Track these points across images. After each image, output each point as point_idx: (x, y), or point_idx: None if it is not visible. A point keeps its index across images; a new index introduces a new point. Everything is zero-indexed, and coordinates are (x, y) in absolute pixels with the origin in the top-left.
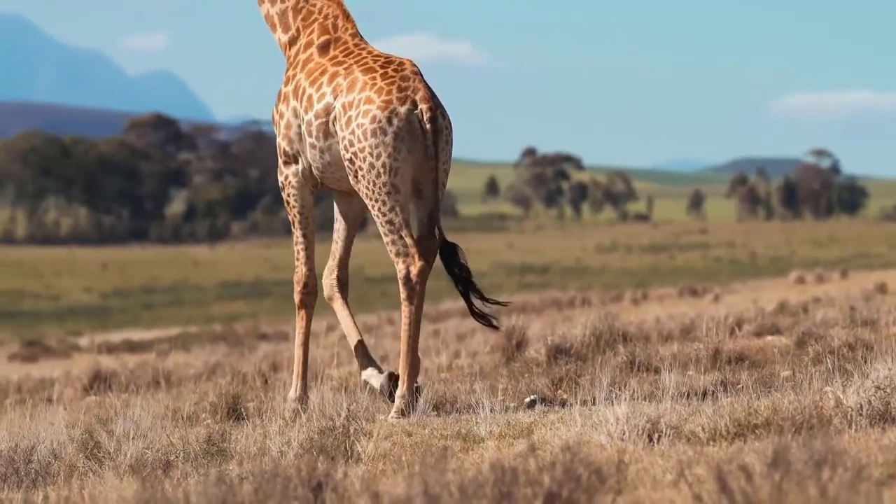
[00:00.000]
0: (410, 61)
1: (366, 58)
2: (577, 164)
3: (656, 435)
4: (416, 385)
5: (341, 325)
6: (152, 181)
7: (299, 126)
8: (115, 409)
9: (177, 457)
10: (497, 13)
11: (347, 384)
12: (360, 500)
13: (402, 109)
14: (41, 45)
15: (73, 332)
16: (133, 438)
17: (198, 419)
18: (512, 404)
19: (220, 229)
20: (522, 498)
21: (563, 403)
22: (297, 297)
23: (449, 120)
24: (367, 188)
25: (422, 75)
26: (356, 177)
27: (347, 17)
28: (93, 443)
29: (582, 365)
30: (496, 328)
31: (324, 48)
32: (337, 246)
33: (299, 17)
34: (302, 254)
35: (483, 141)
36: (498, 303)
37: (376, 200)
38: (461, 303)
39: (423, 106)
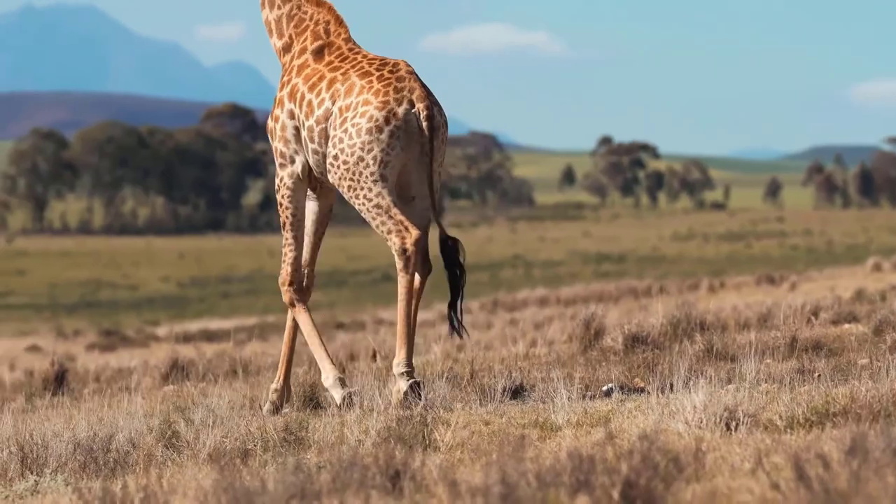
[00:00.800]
0: (405, 62)
1: (361, 62)
2: (653, 152)
3: (734, 423)
4: (417, 381)
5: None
6: (229, 171)
7: (296, 128)
8: (192, 399)
9: (255, 445)
10: (573, 2)
11: (424, 373)
12: (438, 488)
13: (400, 109)
14: (117, 36)
15: (150, 321)
16: (211, 427)
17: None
18: (589, 393)
19: None
20: (600, 486)
21: (640, 392)
22: (285, 297)
23: (445, 118)
24: (352, 179)
25: (416, 75)
26: (338, 170)
27: (340, 22)
28: (171, 432)
29: (659, 353)
30: (460, 337)
31: (318, 53)
32: (306, 243)
33: (292, 24)
34: (289, 255)
35: (559, 130)
36: (457, 328)
37: (361, 188)
38: (538, 292)
39: (419, 105)
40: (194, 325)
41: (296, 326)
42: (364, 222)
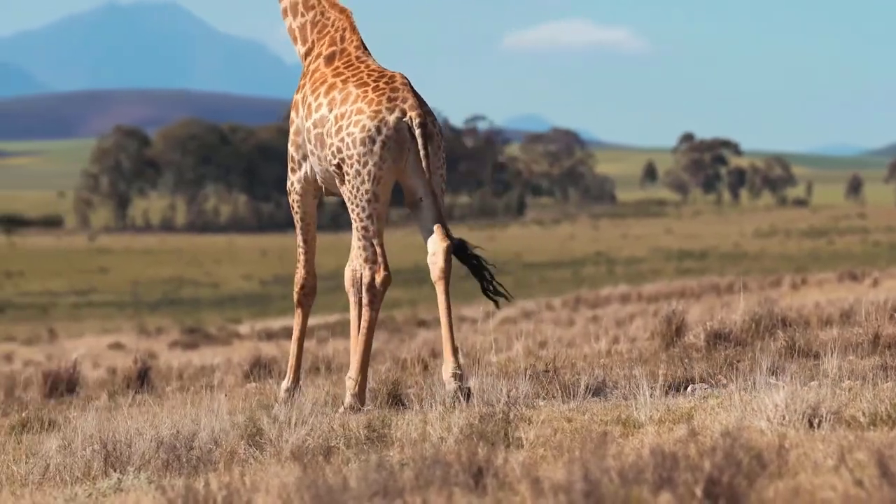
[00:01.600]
0: (400, 74)
1: (362, 72)
2: (735, 149)
3: (816, 420)
4: (463, 382)
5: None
6: None
7: (306, 132)
8: (275, 396)
9: (338, 443)
10: None
11: (507, 370)
12: (521, 485)
13: (391, 118)
14: (200, 33)
15: (232, 319)
16: (294, 425)
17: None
18: (672, 390)
19: None
20: (683, 483)
21: (722, 388)
22: (295, 297)
23: (439, 127)
24: (350, 193)
25: (411, 86)
26: (342, 182)
27: (354, 29)
28: (254, 429)
29: (741, 350)
30: (499, 304)
31: (329, 59)
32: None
33: (315, 30)
34: (302, 257)
35: (641, 126)
36: (501, 295)
37: (356, 206)
38: (620, 289)
39: (411, 113)
40: (276, 323)
41: (371, 329)
42: (448, 219)
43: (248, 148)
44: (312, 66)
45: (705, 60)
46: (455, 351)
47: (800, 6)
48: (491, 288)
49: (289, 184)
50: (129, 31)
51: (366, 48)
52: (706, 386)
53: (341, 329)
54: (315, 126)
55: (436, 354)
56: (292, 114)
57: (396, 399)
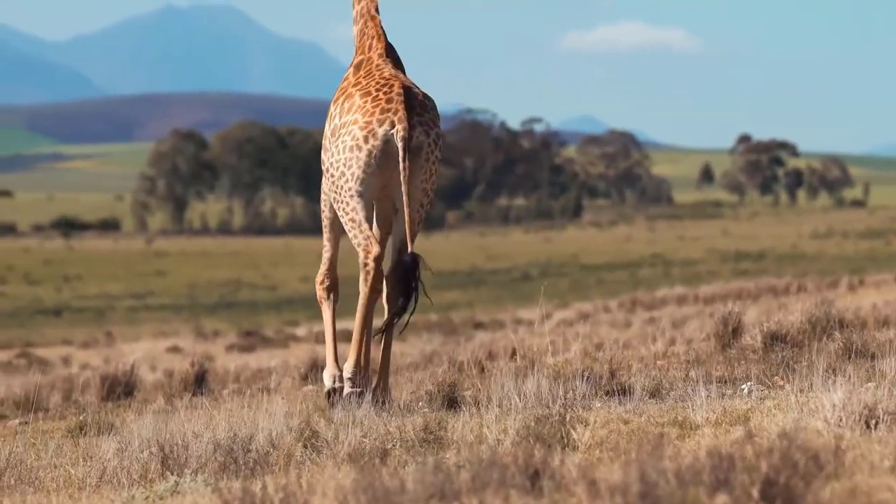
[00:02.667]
0: (399, 82)
1: (373, 80)
2: (792, 150)
3: (873, 421)
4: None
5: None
6: None
7: None
8: (332, 398)
9: (394, 445)
10: None
11: (563, 372)
12: (577, 487)
13: (380, 130)
14: (255, 35)
15: (290, 321)
16: (350, 427)
17: (415, 407)
18: (728, 391)
19: (435, 219)
20: (739, 485)
21: (779, 390)
22: (318, 292)
23: (435, 137)
24: (335, 191)
25: (408, 96)
26: (328, 180)
27: (380, 37)
28: (311, 431)
29: (798, 351)
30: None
31: (357, 67)
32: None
33: (360, 39)
34: (325, 255)
35: (697, 128)
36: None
37: (342, 200)
38: (676, 290)
39: (398, 126)
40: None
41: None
42: (504, 221)
43: (305, 150)
44: (348, 74)
45: (761, 60)
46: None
47: (857, 5)
48: (403, 310)
49: (323, 187)
50: (185, 33)
51: (389, 54)
52: (763, 387)
53: (398, 331)
54: (332, 134)
55: (493, 356)
56: (326, 122)
57: (453, 401)
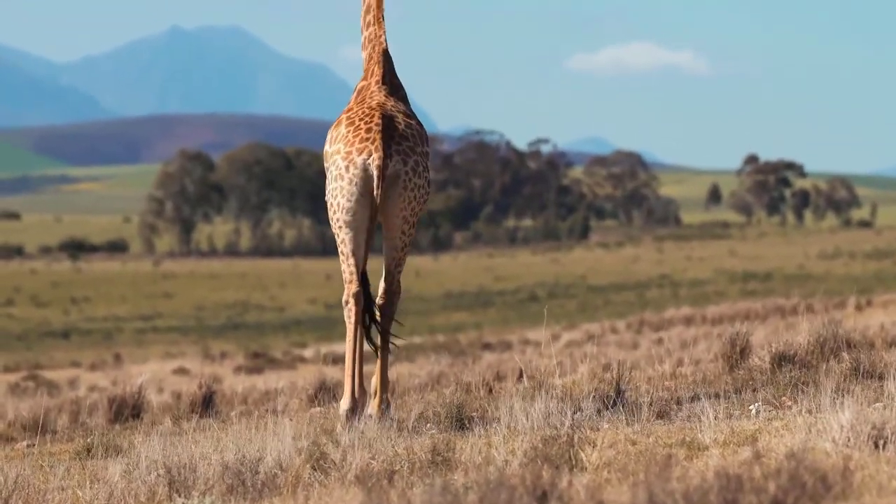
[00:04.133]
0: (380, 112)
1: (359, 111)
2: (799, 171)
3: (882, 441)
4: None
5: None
6: None
7: None
8: (339, 420)
9: (402, 466)
10: (718, 20)
11: (571, 393)
12: None
13: (358, 159)
14: (263, 57)
15: (297, 343)
16: (358, 448)
17: (422, 429)
18: (736, 411)
19: (443, 239)
20: None
21: (787, 410)
22: (345, 314)
23: (413, 164)
24: (331, 220)
25: (386, 125)
26: (327, 210)
27: (379, 63)
28: (319, 453)
29: (806, 372)
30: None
31: (357, 93)
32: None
33: (367, 63)
34: (346, 278)
35: (705, 148)
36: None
37: (335, 231)
38: (684, 311)
39: (374, 154)
40: (341, 347)
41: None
42: (511, 242)
43: (313, 172)
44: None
45: (769, 82)
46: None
47: (863, 27)
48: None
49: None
50: (193, 55)
51: (386, 81)
52: (771, 408)
53: (406, 352)
54: (325, 160)
55: (500, 377)
56: None
57: (461, 422)
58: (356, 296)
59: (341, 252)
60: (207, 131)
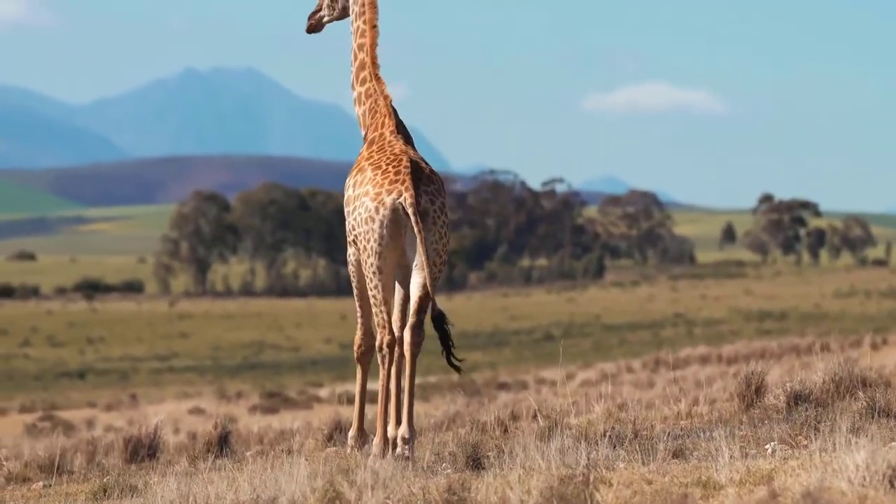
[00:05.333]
0: (408, 156)
1: (384, 155)
2: (814, 209)
3: None
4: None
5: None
6: None
7: None
8: (355, 460)
9: None
10: (732, 60)
11: (587, 433)
12: None
13: (388, 199)
14: (277, 98)
15: (313, 382)
16: (373, 488)
17: (438, 468)
18: (752, 451)
19: (457, 279)
20: None
21: (803, 449)
22: (354, 356)
23: (440, 204)
24: (364, 265)
25: (414, 168)
26: (354, 253)
27: (391, 115)
28: (333, 493)
29: (822, 411)
30: (459, 372)
31: (370, 144)
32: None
33: (370, 116)
34: (360, 320)
35: (720, 188)
36: (456, 366)
37: (367, 275)
38: (699, 350)
39: (406, 195)
40: (355, 387)
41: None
42: (526, 281)
43: (327, 212)
44: (362, 150)
45: (783, 121)
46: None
47: (877, 67)
48: (453, 359)
49: (348, 254)
50: (207, 96)
51: (400, 131)
52: (787, 447)
53: (421, 392)
54: (347, 204)
55: (516, 417)
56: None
57: (476, 462)
58: (391, 344)
59: (373, 297)
60: (222, 172)
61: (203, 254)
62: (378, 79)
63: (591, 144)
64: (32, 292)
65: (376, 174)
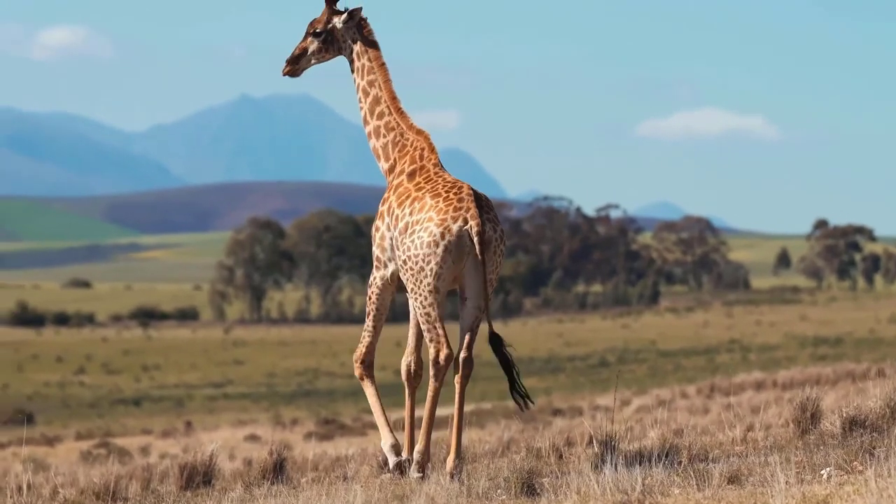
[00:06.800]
0: (468, 185)
1: (439, 184)
2: (869, 234)
3: None
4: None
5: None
6: None
7: (391, 239)
8: (410, 486)
9: None
10: (787, 85)
11: (641, 459)
12: None
13: (454, 226)
14: (333, 124)
15: (368, 409)
16: None
17: (493, 495)
18: (807, 476)
19: (512, 306)
20: None
21: (859, 475)
22: (356, 371)
23: (501, 232)
24: (414, 286)
25: (476, 196)
26: (405, 273)
27: (432, 149)
28: None
29: (877, 436)
30: (527, 407)
31: (411, 175)
32: (409, 335)
33: (396, 149)
34: (367, 339)
35: (774, 213)
36: (526, 399)
37: (419, 295)
38: (754, 376)
39: (472, 222)
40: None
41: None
42: (581, 307)
43: None
44: (395, 182)
45: (838, 147)
46: (458, 444)
47: None
48: (516, 388)
49: (372, 278)
50: (262, 123)
51: (442, 165)
52: (842, 472)
53: (476, 418)
54: (400, 233)
55: (571, 443)
56: (378, 222)
57: (531, 488)
58: (448, 357)
59: (428, 315)
60: (277, 199)
61: (258, 281)
62: (402, 113)
63: (646, 170)
64: (88, 320)
65: (438, 201)
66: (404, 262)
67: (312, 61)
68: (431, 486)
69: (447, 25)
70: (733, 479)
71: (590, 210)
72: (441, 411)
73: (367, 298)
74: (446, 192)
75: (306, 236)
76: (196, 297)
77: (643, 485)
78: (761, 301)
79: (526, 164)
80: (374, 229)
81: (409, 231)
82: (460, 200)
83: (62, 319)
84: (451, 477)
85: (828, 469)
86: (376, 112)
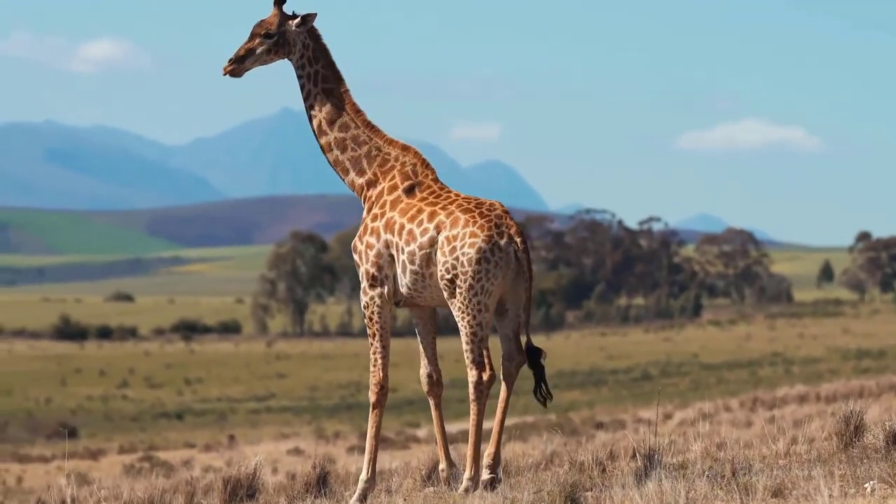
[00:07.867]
0: (499, 203)
1: (458, 199)
2: None
3: None
4: (490, 475)
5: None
6: None
7: (391, 255)
8: (453, 500)
9: None
10: (830, 97)
11: (685, 472)
12: None
13: (502, 242)
14: None
15: (410, 423)
16: None
17: None
18: (851, 490)
19: (554, 319)
20: None
21: None
22: (372, 398)
23: (529, 246)
24: (462, 303)
25: (509, 214)
26: (453, 294)
27: (426, 165)
28: None
29: None
30: (545, 405)
31: (410, 191)
32: (422, 347)
33: (375, 164)
34: (379, 362)
35: (817, 226)
36: (546, 396)
37: (467, 314)
38: (797, 389)
39: (517, 239)
40: (453, 427)
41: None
42: (623, 320)
43: None
44: (390, 198)
45: (881, 158)
46: (497, 445)
47: None
48: (541, 391)
49: (367, 298)
50: (304, 136)
51: (441, 182)
52: (886, 486)
53: (519, 432)
54: (421, 248)
55: (614, 456)
56: (368, 238)
57: (574, 501)
58: (491, 379)
59: (474, 334)
60: (319, 212)
61: (300, 294)
62: (372, 127)
63: (688, 183)
64: (130, 333)
65: (474, 217)
66: (450, 280)
67: (258, 63)
68: (475, 499)
69: (489, 38)
70: (777, 493)
71: (632, 223)
72: (460, 426)
73: (368, 319)
74: (478, 208)
75: (348, 250)
76: (238, 310)
77: (686, 498)
78: (804, 314)
79: (567, 176)
80: (364, 246)
81: (449, 247)
82: (499, 217)
83: (105, 333)
84: (489, 470)
85: (871, 482)
86: (337, 123)
